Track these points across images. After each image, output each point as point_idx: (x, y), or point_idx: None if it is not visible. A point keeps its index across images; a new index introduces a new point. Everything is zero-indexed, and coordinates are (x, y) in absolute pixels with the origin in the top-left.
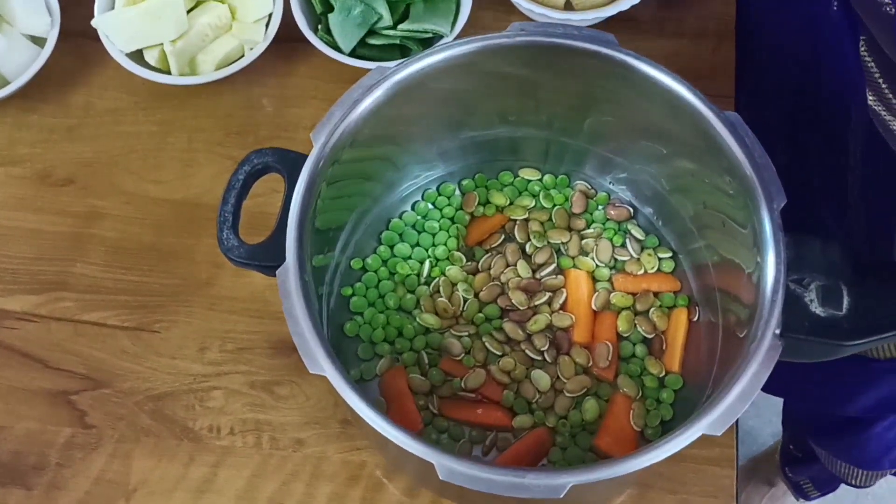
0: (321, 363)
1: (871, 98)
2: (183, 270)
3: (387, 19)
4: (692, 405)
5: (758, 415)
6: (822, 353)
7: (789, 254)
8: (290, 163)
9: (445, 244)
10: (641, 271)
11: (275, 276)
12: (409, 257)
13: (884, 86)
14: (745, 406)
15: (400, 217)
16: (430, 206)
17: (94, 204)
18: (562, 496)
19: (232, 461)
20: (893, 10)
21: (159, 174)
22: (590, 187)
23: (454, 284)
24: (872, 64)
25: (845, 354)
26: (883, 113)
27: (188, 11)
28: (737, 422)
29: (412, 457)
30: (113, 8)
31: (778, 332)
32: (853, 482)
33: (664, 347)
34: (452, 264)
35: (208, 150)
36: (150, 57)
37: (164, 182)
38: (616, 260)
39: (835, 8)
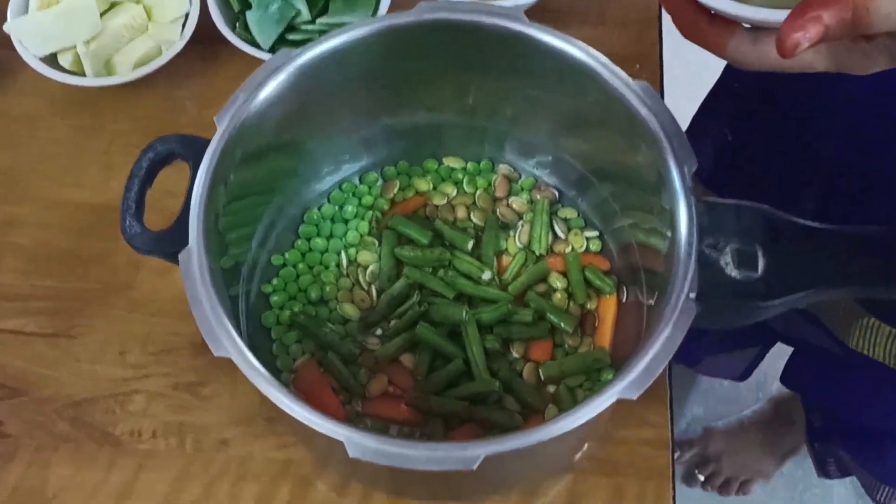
0: (225, 344)
1: None
2: (102, 274)
3: (305, 14)
4: None
5: None
6: (739, 316)
7: (703, 219)
8: (195, 149)
9: (357, 229)
10: (569, 249)
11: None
12: (326, 250)
13: None
14: (661, 368)
15: (319, 209)
16: (350, 195)
17: (10, 211)
18: (475, 468)
19: (154, 465)
20: None
21: (78, 179)
22: (513, 171)
23: (367, 268)
24: None
25: (762, 317)
26: None
27: (103, 13)
28: (671, 400)
29: (325, 440)
30: (26, 12)
31: (693, 295)
32: (876, 496)
33: (596, 325)
34: (364, 249)
35: (128, 154)
36: (65, 60)
37: (82, 187)
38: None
39: None
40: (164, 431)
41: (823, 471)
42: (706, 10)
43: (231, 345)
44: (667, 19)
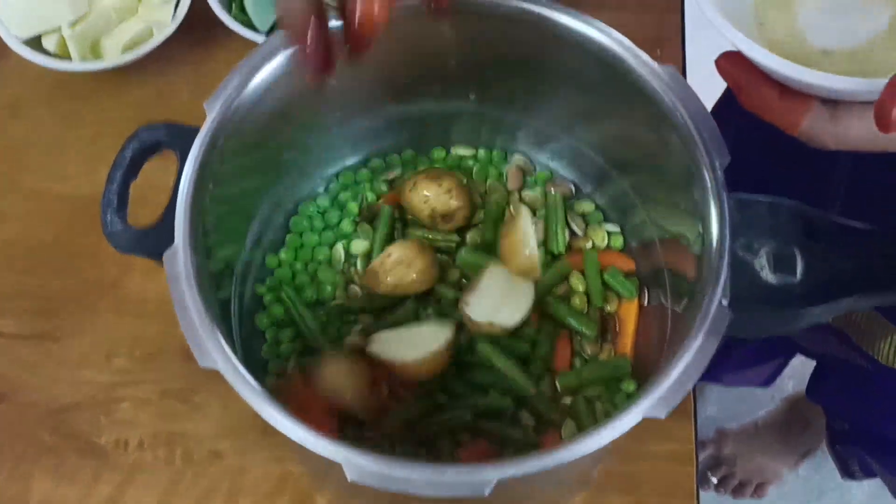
0: (213, 355)
1: None
2: (88, 272)
3: None
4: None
5: None
6: (776, 324)
7: (735, 217)
8: (184, 138)
9: (348, 211)
10: (590, 245)
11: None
12: (319, 244)
13: None
14: (692, 384)
15: (315, 201)
16: (352, 184)
17: None
18: (487, 494)
19: (141, 478)
20: None
21: (63, 170)
22: (528, 162)
23: (360, 258)
24: None
25: (802, 326)
26: None
27: None
28: (695, 413)
29: (324, 461)
30: None
31: (725, 301)
32: None
33: (616, 329)
34: (358, 236)
35: (116, 144)
36: (49, 43)
37: (68, 178)
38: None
39: None
40: (151, 442)
41: (847, 471)
42: (776, 83)
43: (220, 355)
44: (689, 2)
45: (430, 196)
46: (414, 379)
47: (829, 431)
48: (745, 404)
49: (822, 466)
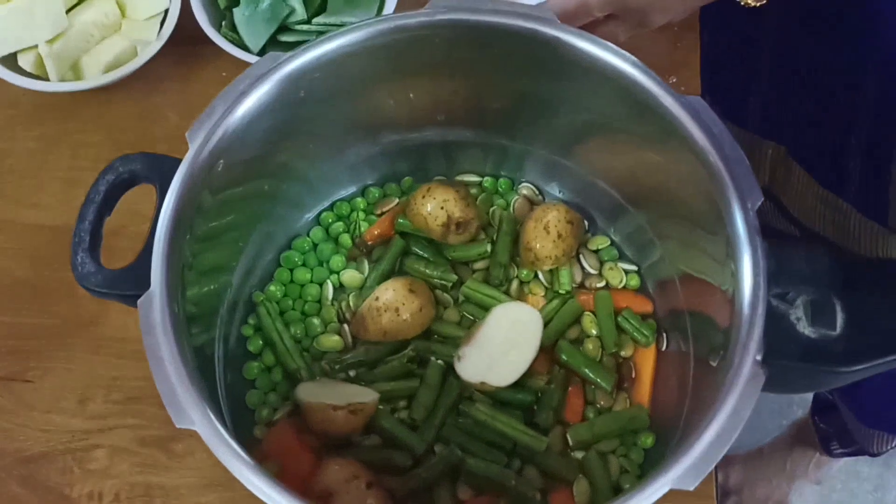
0: (190, 414)
1: None
2: (63, 308)
3: (300, 13)
4: (662, 450)
5: None
6: (814, 382)
7: (769, 263)
8: (163, 171)
9: (340, 243)
10: (602, 284)
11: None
12: (311, 281)
13: None
14: (724, 451)
15: (309, 235)
16: (345, 216)
17: None
18: None
19: None
20: None
21: (38, 197)
22: (536, 193)
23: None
24: None
25: (843, 383)
26: None
27: (70, 9)
28: (716, 471)
29: None
30: None
31: (759, 358)
32: (872, 449)
33: (633, 376)
34: (348, 267)
35: (96, 169)
36: (25, 62)
37: (44, 206)
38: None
39: None
40: (128, 494)
41: (826, 447)
42: None
43: (198, 414)
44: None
45: (449, 200)
46: (342, 430)
47: (813, 403)
48: (752, 432)
49: (829, 496)
